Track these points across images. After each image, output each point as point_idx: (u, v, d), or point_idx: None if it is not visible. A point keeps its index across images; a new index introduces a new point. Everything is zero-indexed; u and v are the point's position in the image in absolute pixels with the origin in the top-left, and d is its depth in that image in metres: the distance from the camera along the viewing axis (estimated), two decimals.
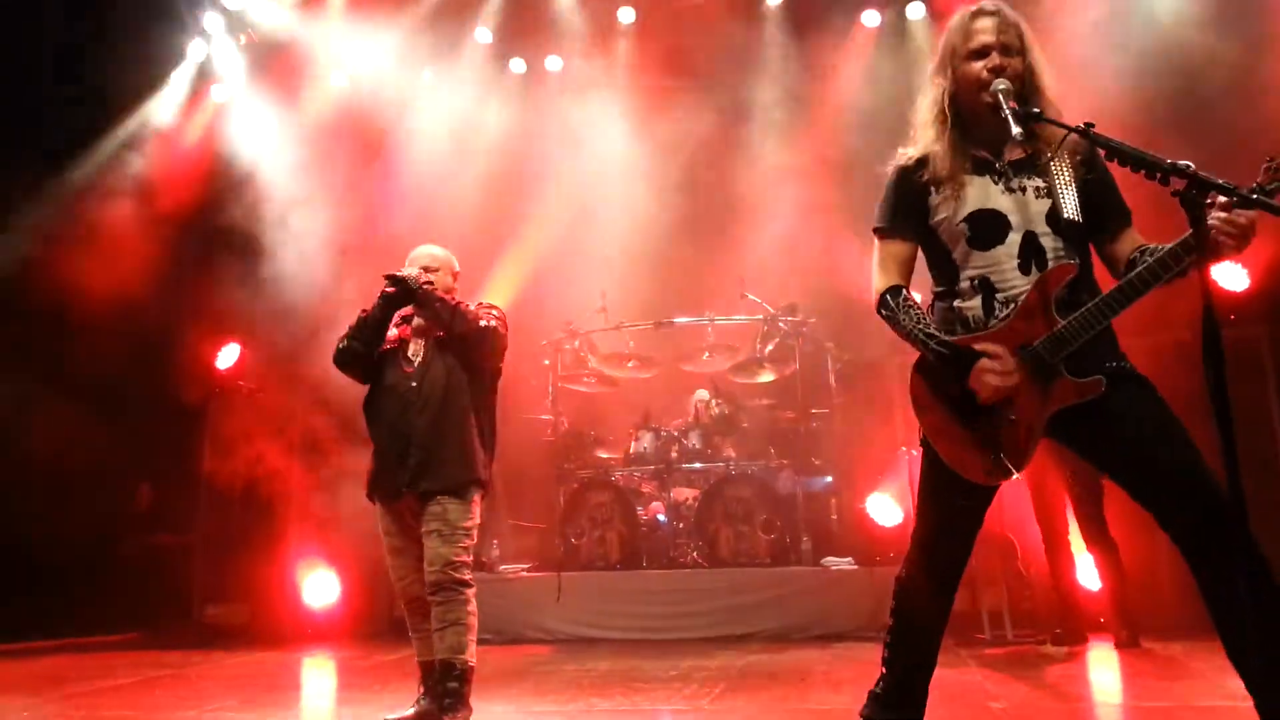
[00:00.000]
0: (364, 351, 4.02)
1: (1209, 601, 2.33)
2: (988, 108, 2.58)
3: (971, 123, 2.68)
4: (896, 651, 2.81)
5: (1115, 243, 2.65)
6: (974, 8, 2.70)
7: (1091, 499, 5.61)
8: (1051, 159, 2.62)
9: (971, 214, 2.63)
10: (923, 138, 2.74)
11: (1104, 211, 2.65)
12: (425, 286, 3.94)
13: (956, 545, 2.75)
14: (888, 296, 2.72)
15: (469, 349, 3.99)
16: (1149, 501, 2.45)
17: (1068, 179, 2.61)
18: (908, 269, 2.77)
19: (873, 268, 2.80)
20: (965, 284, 2.67)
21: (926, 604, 2.76)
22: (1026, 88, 2.61)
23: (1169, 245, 2.40)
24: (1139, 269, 2.44)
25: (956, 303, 2.69)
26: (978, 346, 2.55)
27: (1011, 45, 2.62)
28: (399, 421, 3.92)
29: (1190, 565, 2.37)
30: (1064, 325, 2.49)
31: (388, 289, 3.95)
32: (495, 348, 4.05)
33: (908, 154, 2.78)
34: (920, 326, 2.63)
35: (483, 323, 3.96)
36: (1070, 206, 2.59)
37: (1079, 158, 2.63)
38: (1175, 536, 2.39)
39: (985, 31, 2.63)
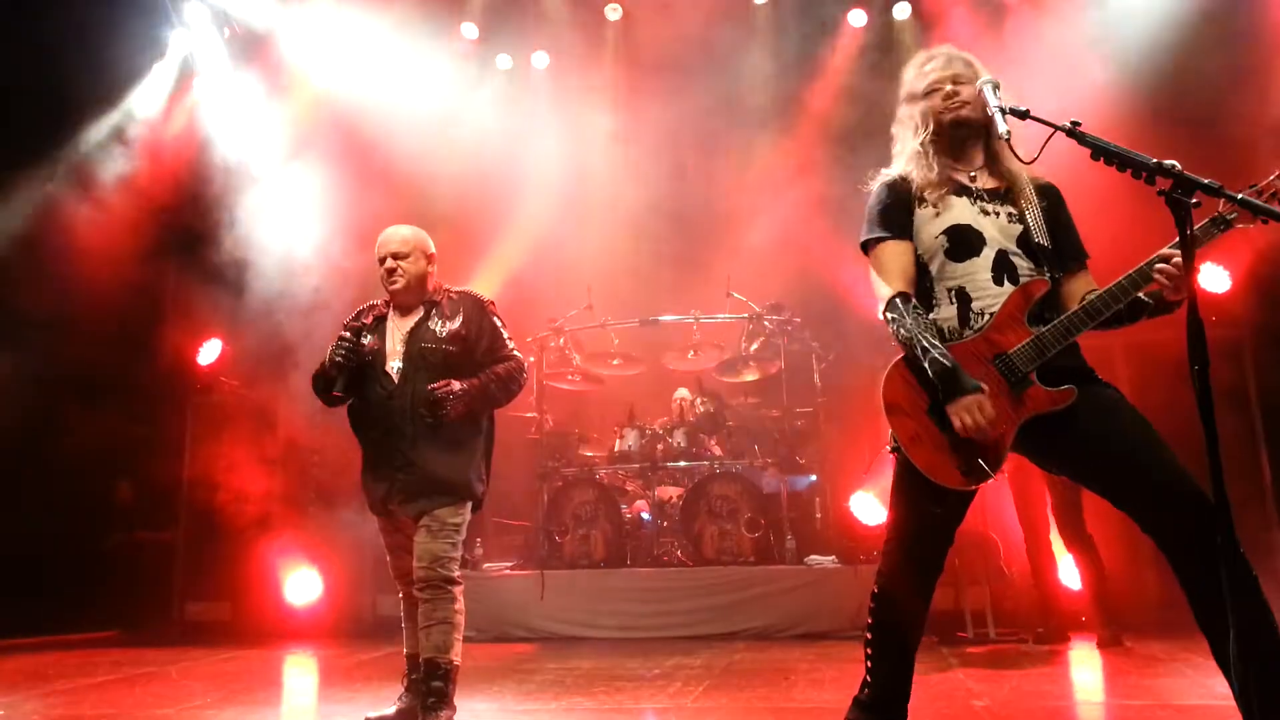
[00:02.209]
0: (337, 398, 3.84)
1: (1193, 602, 2.35)
2: (949, 133, 2.80)
3: (940, 152, 2.83)
4: (878, 653, 2.82)
5: (1071, 280, 2.77)
6: (922, 53, 2.92)
7: (1071, 499, 5.64)
8: (1016, 194, 2.77)
9: (950, 228, 2.73)
10: (901, 161, 2.88)
11: (1063, 250, 2.77)
12: (449, 407, 3.63)
13: (934, 549, 2.77)
14: (897, 300, 2.70)
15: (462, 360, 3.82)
16: (1131, 506, 2.49)
17: (1035, 213, 2.75)
18: (911, 272, 2.78)
19: (874, 275, 2.81)
20: (941, 294, 2.75)
21: (906, 606, 2.78)
22: (982, 113, 2.71)
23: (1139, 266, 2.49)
24: (1110, 286, 2.52)
25: (932, 314, 2.75)
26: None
27: (962, 75, 2.79)
28: (383, 442, 3.76)
29: (1174, 567, 2.38)
30: (1037, 336, 2.57)
31: (340, 351, 3.71)
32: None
33: (890, 172, 2.88)
34: (928, 335, 2.63)
35: (522, 378, 3.87)
36: (1040, 233, 2.72)
37: (1044, 199, 2.79)
38: (1159, 539, 2.41)
39: (935, 70, 2.83)
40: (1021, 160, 2.62)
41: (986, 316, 2.65)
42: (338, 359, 3.72)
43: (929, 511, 2.71)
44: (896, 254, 2.78)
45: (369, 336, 3.86)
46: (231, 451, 8.22)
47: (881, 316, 2.75)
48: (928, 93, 2.83)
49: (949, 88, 2.79)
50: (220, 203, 8.38)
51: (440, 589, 3.67)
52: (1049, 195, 2.82)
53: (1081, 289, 2.71)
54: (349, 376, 3.79)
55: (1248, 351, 6.68)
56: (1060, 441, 2.59)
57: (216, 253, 8.31)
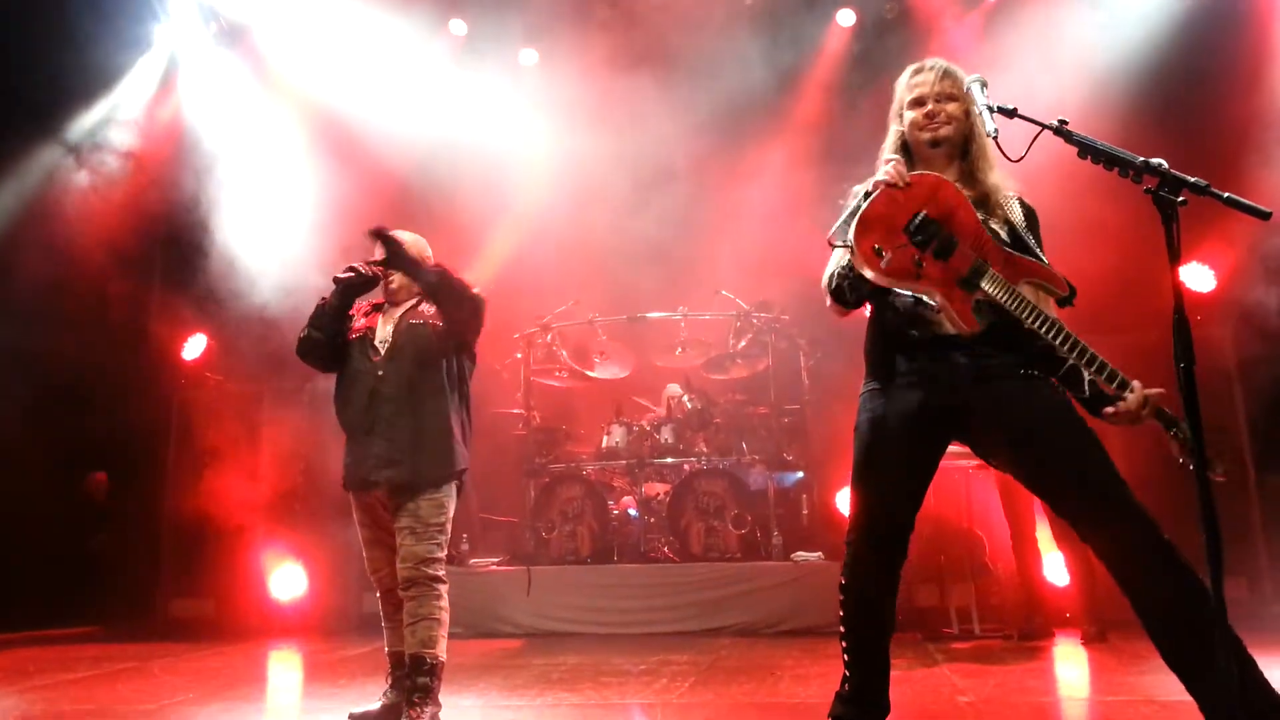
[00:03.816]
0: (324, 340, 3.89)
1: (1139, 608, 2.45)
2: (926, 146, 2.84)
3: (919, 160, 2.90)
4: (852, 646, 2.87)
5: None
6: (915, 64, 2.96)
7: None
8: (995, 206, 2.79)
9: None
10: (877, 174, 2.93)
11: None
12: (392, 235, 3.80)
13: (892, 530, 2.80)
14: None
15: (449, 324, 3.82)
16: (1065, 515, 2.64)
17: (1008, 219, 2.77)
18: None
19: (827, 269, 2.93)
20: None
21: (873, 596, 2.83)
22: (964, 130, 2.81)
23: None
24: (1079, 340, 2.54)
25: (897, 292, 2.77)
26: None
27: (945, 93, 2.83)
28: (364, 412, 3.79)
29: (1115, 577, 2.46)
30: (1015, 289, 2.59)
31: (342, 274, 3.86)
32: (477, 326, 3.89)
33: (861, 187, 2.91)
34: None
35: (476, 290, 3.79)
36: (1017, 230, 2.74)
37: (1022, 220, 2.80)
38: (1095, 550, 2.49)
39: (923, 84, 2.87)
40: (1009, 159, 2.63)
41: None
42: (347, 272, 3.87)
43: (889, 462, 2.77)
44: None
45: (362, 320, 3.99)
46: (216, 447, 8.18)
47: (831, 287, 2.90)
48: (911, 104, 2.87)
49: (931, 105, 2.82)
50: (206, 197, 8.32)
51: (426, 587, 3.67)
52: (1027, 213, 2.84)
53: None
54: (340, 323, 3.91)
55: (1231, 350, 6.70)
56: (994, 437, 2.69)
57: (202, 248, 8.25)
